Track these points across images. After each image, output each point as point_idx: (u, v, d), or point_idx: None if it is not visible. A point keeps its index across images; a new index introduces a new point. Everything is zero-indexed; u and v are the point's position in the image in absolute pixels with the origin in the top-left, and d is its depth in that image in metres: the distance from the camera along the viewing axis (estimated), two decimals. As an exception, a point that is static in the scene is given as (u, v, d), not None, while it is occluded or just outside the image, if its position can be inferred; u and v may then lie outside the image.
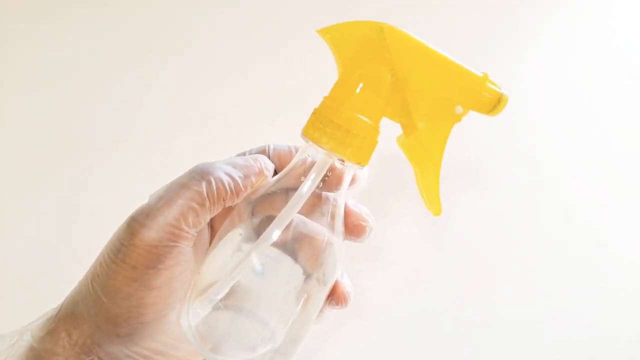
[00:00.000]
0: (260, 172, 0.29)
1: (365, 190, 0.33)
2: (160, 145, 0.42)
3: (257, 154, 0.30)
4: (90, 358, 0.27)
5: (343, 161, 0.27)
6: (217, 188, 0.27)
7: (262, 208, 0.30)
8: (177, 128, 0.46)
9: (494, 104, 0.28)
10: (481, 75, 0.28)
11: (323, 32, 0.26)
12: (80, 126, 0.47)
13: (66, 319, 0.27)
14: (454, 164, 0.44)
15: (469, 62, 0.27)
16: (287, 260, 0.29)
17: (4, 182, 0.43)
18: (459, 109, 0.28)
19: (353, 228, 0.31)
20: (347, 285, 0.31)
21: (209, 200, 0.27)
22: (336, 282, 0.31)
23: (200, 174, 0.27)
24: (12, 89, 0.48)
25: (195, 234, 0.28)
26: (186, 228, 0.27)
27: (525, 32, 0.53)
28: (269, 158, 0.31)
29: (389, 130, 0.29)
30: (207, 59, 0.50)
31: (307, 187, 0.27)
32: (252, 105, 0.45)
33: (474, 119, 0.43)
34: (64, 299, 0.28)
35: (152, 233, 0.26)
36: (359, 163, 0.27)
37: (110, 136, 0.46)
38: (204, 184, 0.27)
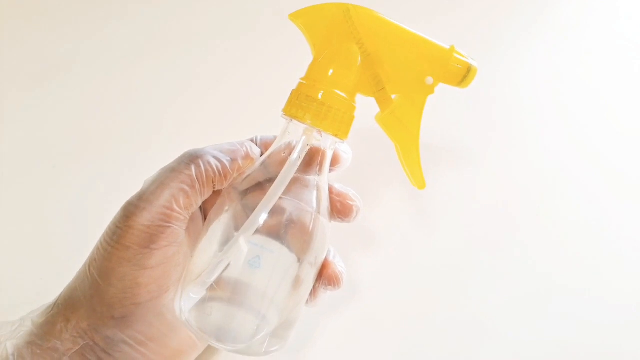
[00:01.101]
0: (247, 156, 0.30)
1: (351, 175, 0.34)
2: (160, 146, 0.43)
3: (243, 140, 0.31)
4: (86, 342, 0.27)
5: (321, 133, 0.28)
6: (206, 170, 0.29)
7: (251, 194, 0.31)
8: (176, 128, 0.47)
9: (464, 74, 0.29)
10: (448, 47, 0.29)
11: (294, 16, 0.28)
12: (80, 125, 0.48)
13: (65, 304, 0.28)
14: (440, 143, 0.45)
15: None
16: (279, 247, 0.30)
17: (4, 180, 0.44)
18: (429, 80, 0.29)
19: (341, 208, 0.32)
20: (338, 265, 0.31)
21: (199, 182, 0.28)
22: (328, 262, 0.31)
23: (190, 158, 0.29)
24: (10, 88, 0.50)
25: (188, 216, 0.29)
26: (178, 209, 0.28)
27: (523, 22, 0.54)
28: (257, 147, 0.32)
29: (368, 111, 0.30)
30: (206, 59, 0.52)
31: (293, 161, 0.28)
32: (250, 106, 0.47)
33: (462, 100, 0.45)
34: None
35: (145, 214, 0.27)
36: (336, 135, 0.28)
37: (110, 136, 0.47)
38: (193, 167, 0.28)
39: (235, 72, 0.51)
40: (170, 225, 0.28)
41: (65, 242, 0.40)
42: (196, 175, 0.28)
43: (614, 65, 0.51)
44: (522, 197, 0.43)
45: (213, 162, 0.29)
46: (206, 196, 0.30)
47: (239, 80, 0.50)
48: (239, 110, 0.48)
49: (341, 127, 0.28)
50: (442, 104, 0.39)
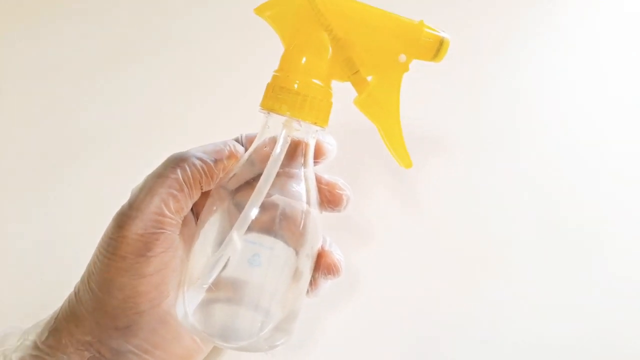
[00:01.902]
0: (231, 155, 0.30)
1: (338, 165, 0.34)
2: (161, 146, 0.43)
3: (226, 140, 0.31)
4: (92, 354, 0.27)
5: (300, 123, 0.28)
6: (192, 172, 0.29)
7: (239, 191, 0.31)
8: (177, 128, 0.47)
9: (436, 47, 0.29)
10: (417, 22, 0.29)
11: (259, 10, 0.28)
12: (80, 125, 0.48)
13: (67, 317, 0.28)
14: (428, 129, 0.45)
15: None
16: (276, 243, 0.30)
17: (4, 183, 0.45)
18: (402, 58, 0.29)
19: (330, 198, 0.32)
20: (336, 254, 0.31)
21: (187, 185, 0.29)
22: (325, 252, 0.31)
23: (174, 162, 0.29)
24: (11, 88, 0.51)
25: (180, 220, 0.29)
26: (169, 214, 0.28)
27: (519, 16, 0.54)
28: (242, 145, 0.32)
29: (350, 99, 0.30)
30: (205, 59, 0.52)
31: (277, 154, 0.28)
32: (247, 106, 0.47)
33: (451, 86, 0.45)
34: (64, 300, 0.29)
35: (137, 222, 0.27)
36: (315, 122, 0.28)
37: (111, 136, 0.47)
38: (179, 171, 0.29)
39: (231, 71, 0.51)
40: (163, 231, 0.28)
41: (65, 241, 0.40)
42: (183, 179, 0.29)
43: (611, 62, 0.50)
44: (514, 181, 0.43)
45: (198, 163, 0.29)
46: (195, 198, 0.30)
47: (234, 80, 0.50)
48: (235, 109, 0.48)
49: (319, 114, 0.28)
50: (435, 94, 0.39)
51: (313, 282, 0.32)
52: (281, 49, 0.29)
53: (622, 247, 0.40)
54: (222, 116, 0.48)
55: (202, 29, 0.54)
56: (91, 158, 0.46)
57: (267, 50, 0.31)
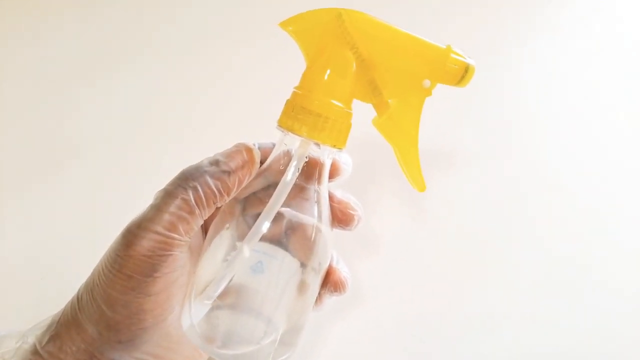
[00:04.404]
0: (245, 164, 0.29)
1: (350, 179, 0.33)
2: (162, 147, 0.43)
3: (239, 144, 0.30)
4: None
5: (319, 145, 0.28)
6: (205, 194, 0.27)
7: (250, 205, 0.30)
8: (178, 130, 0.47)
9: (461, 74, 0.29)
10: (444, 47, 0.28)
11: (284, 24, 0.27)
12: (82, 126, 0.47)
13: (68, 324, 0.28)
14: (440, 146, 0.44)
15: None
16: (281, 253, 0.30)
17: (4, 184, 0.44)
18: (426, 83, 0.28)
19: (342, 217, 0.32)
20: (343, 271, 0.31)
21: (198, 207, 0.27)
22: (332, 268, 0.31)
23: (186, 181, 0.27)
24: (9, 90, 0.50)
25: (189, 240, 0.28)
26: (178, 236, 0.27)
27: (522, 25, 0.53)
28: None
29: (366, 115, 0.30)
30: (207, 59, 0.51)
31: (290, 175, 0.28)
32: (250, 107, 0.46)
33: (461, 101, 0.44)
34: (65, 304, 0.29)
35: (144, 243, 0.26)
36: (334, 145, 0.28)
37: (112, 136, 0.46)
38: (190, 192, 0.27)
39: (239, 75, 0.50)
40: (171, 253, 0.27)
41: (65, 242, 0.39)
42: (195, 201, 0.27)
43: (614, 67, 0.50)
44: (524, 198, 0.43)
45: (212, 183, 0.28)
46: (207, 216, 0.29)
47: (243, 84, 0.49)
48: (241, 113, 0.47)
49: (339, 137, 0.28)
50: (441, 105, 0.38)
51: (318, 298, 0.32)
52: (290, 58, 0.28)
53: (621, 255, 0.41)
54: (228, 120, 0.47)
55: (204, 32, 0.53)
56: (92, 159, 0.45)
57: (272, 55, 0.30)
